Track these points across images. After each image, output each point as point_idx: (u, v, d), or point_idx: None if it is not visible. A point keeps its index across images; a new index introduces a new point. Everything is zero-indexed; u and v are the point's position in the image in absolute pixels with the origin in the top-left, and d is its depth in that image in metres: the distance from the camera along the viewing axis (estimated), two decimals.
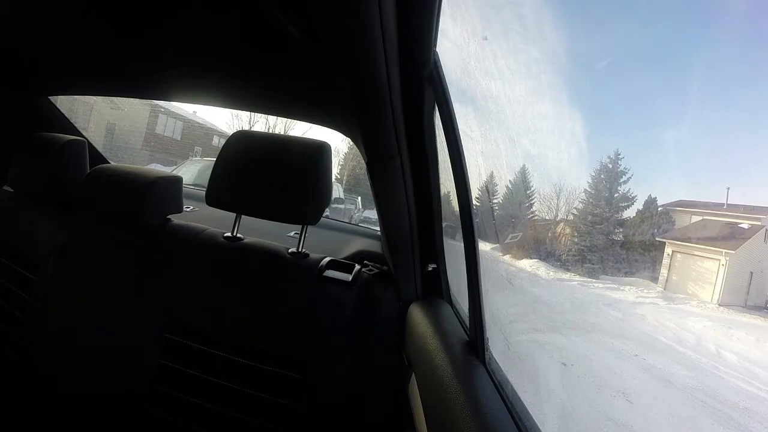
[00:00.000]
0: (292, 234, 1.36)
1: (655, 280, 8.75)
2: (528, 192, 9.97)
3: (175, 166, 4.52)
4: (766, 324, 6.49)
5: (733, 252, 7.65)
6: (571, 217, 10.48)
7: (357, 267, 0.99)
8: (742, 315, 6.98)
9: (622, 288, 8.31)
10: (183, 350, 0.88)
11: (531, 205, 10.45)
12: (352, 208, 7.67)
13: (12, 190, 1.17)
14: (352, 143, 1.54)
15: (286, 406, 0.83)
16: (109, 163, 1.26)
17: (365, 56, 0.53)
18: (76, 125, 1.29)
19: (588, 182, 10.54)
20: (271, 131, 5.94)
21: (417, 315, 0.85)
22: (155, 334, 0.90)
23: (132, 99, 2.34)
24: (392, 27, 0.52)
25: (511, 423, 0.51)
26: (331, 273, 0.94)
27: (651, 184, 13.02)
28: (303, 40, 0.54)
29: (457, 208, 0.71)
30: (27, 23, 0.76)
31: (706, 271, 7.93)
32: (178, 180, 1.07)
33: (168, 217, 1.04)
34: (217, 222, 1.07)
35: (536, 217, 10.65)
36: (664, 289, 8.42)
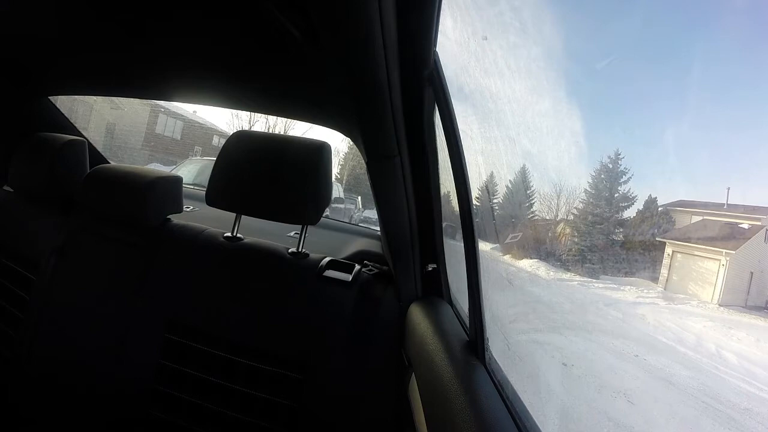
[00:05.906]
0: (292, 234, 1.36)
1: (655, 280, 8.73)
2: (528, 192, 9.96)
3: (174, 166, 4.52)
4: (766, 324, 6.48)
5: (734, 252, 7.63)
6: (571, 217, 10.45)
7: (357, 267, 0.99)
8: (743, 315, 6.96)
9: (622, 288, 8.28)
10: (183, 350, 0.88)
11: (531, 205, 10.43)
12: (352, 208, 7.67)
13: (12, 190, 1.18)
14: (352, 143, 1.54)
15: (286, 406, 0.83)
16: (109, 163, 1.26)
17: (365, 56, 0.53)
18: (76, 125, 1.29)
19: (588, 182, 10.52)
20: (271, 131, 5.94)
21: (417, 315, 0.85)
22: (155, 334, 0.90)
23: (132, 99, 2.34)
24: (392, 27, 0.52)
25: (511, 423, 0.51)
26: (331, 273, 0.94)
27: (651, 184, 13.02)
28: (303, 40, 0.54)
29: (457, 208, 0.71)
30: (27, 23, 0.76)
31: (707, 271, 7.92)
32: (178, 180, 1.07)
33: (168, 217, 1.04)
34: (217, 222, 1.07)
35: (536, 217, 10.62)
36: (665, 289, 8.40)
